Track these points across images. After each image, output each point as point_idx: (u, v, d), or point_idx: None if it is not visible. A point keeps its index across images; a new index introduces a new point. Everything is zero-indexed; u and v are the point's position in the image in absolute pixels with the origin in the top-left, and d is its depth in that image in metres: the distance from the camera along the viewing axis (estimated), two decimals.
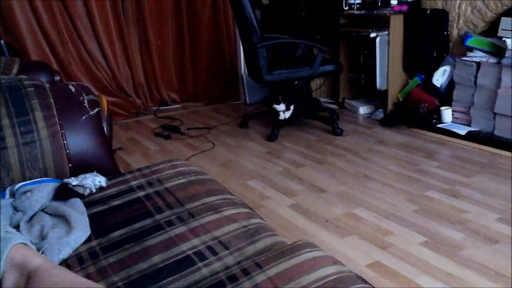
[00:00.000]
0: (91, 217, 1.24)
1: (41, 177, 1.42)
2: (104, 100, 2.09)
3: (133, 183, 1.43)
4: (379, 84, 3.83)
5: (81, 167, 1.51)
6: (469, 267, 1.81)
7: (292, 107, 3.51)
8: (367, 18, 3.85)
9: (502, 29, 3.11)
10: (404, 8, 3.62)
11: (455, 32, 3.54)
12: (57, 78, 2.64)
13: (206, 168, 2.95)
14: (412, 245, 1.99)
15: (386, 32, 3.66)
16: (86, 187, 1.36)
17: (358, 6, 3.94)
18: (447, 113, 3.35)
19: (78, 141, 1.53)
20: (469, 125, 3.25)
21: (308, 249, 1.04)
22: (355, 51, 4.15)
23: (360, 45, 4.04)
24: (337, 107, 4.24)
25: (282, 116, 3.49)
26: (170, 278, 1.00)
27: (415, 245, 1.98)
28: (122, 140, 3.63)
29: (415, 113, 3.51)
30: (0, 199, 1.28)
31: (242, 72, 4.57)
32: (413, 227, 2.13)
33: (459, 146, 3.14)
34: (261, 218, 1.27)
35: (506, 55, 2.97)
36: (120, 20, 4.10)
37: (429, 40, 3.57)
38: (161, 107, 4.47)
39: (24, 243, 0.97)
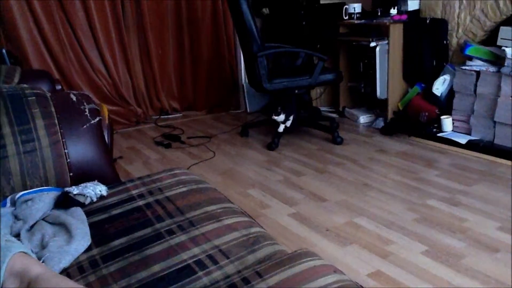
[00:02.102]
0: (92, 226, 1.24)
1: (42, 185, 1.42)
2: (105, 109, 2.09)
3: (134, 192, 1.43)
4: (379, 93, 3.84)
5: (82, 175, 1.51)
6: (469, 276, 1.81)
7: (292, 116, 3.51)
8: (367, 27, 3.87)
9: (501, 38, 3.13)
10: (404, 17, 3.64)
11: (454, 41, 3.55)
12: (58, 87, 2.65)
13: (207, 176, 2.95)
14: (412, 254, 1.98)
15: (386, 41, 3.68)
16: (87, 196, 1.37)
17: (358, 15, 3.96)
18: (447, 122, 3.36)
19: (79, 150, 1.53)
20: (469, 134, 3.25)
21: (309, 258, 1.04)
22: (355, 60, 4.16)
23: (360, 54, 4.06)
24: (337, 116, 4.25)
25: (281, 128, 3.48)
26: (170, 287, 0.99)
27: (415, 254, 1.98)
28: (123, 149, 3.63)
29: (415, 122, 3.52)
30: (1, 208, 1.28)
31: (243, 81, 4.58)
32: (414, 236, 2.13)
33: (459, 154, 3.14)
34: (261, 227, 1.27)
35: (506, 64, 2.98)
36: (120, 29, 4.12)
37: (429, 49, 3.58)
38: (162, 116, 4.48)
39: (24, 252, 0.97)
